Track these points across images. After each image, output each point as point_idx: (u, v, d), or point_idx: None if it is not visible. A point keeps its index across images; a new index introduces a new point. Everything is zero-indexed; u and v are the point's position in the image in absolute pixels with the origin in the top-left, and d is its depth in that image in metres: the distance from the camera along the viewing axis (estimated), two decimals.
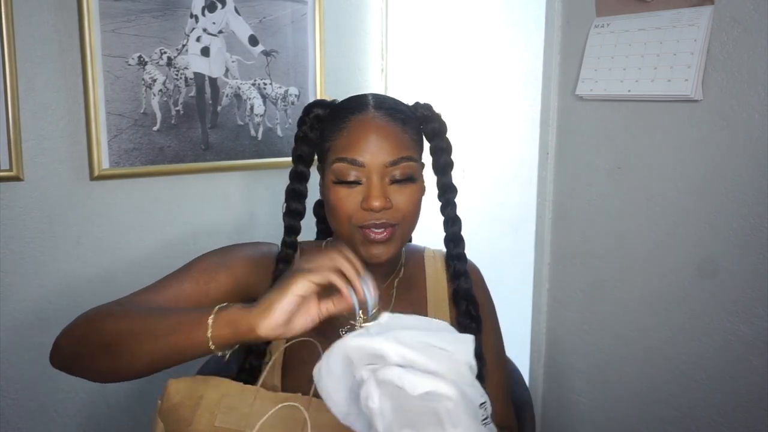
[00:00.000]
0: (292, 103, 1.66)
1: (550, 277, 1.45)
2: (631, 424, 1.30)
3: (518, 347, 1.48)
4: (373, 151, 0.93)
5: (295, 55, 1.65)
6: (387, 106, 0.98)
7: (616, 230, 1.30)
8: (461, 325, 1.02)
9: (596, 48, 1.29)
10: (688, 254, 1.18)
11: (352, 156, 0.93)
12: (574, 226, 1.39)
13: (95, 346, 0.86)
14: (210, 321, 0.79)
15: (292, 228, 1.04)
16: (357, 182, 0.94)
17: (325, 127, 1.00)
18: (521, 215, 1.54)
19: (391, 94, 1.83)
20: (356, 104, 0.99)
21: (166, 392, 0.88)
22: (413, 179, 0.96)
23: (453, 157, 1.06)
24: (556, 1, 1.38)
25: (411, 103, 1.06)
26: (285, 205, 1.05)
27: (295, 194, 1.04)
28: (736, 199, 1.11)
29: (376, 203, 0.92)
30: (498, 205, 1.64)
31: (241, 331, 0.78)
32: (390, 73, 1.86)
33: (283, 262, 1.01)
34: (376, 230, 0.94)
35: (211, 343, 0.79)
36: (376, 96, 1.00)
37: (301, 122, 1.04)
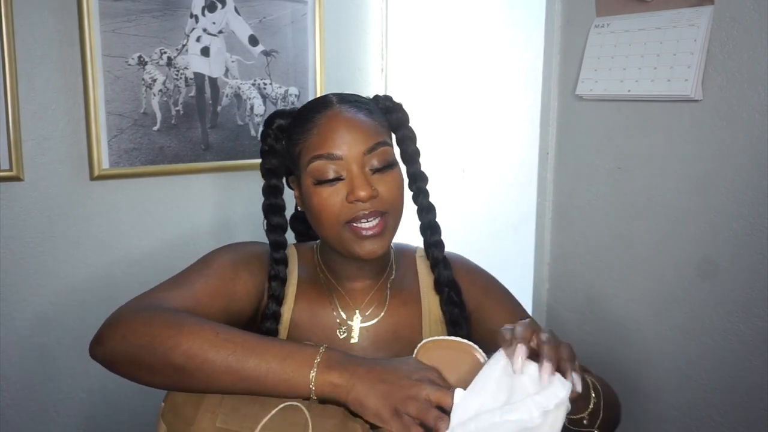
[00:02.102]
0: (292, 103, 1.66)
1: (550, 277, 1.45)
2: (631, 423, 1.30)
3: None
4: (347, 141, 0.92)
5: (295, 55, 1.65)
6: (350, 99, 0.98)
7: (616, 230, 1.30)
8: (446, 313, 1.02)
9: (596, 48, 1.29)
10: (688, 254, 1.18)
11: (327, 151, 0.92)
12: (574, 226, 1.39)
13: (162, 362, 0.80)
14: (312, 386, 0.79)
15: (278, 243, 1.01)
16: (338, 179, 0.93)
17: (291, 134, 0.99)
18: (521, 215, 1.54)
19: (391, 94, 1.82)
20: (319, 103, 0.98)
21: (170, 393, 0.87)
22: (392, 165, 0.96)
23: (419, 145, 1.06)
24: (556, 1, 1.38)
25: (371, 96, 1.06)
26: (265, 222, 1.03)
27: (273, 209, 1.02)
28: (736, 199, 1.11)
29: (363, 193, 0.90)
30: (498, 205, 1.64)
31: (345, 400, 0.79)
32: (390, 73, 1.85)
33: (276, 280, 0.99)
34: (367, 224, 0.92)
35: (314, 395, 0.79)
36: (336, 93, 1.00)
37: (265, 135, 1.02)
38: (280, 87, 1.64)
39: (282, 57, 1.63)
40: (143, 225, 1.53)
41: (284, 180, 1.05)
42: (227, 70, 1.56)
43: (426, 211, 1.06)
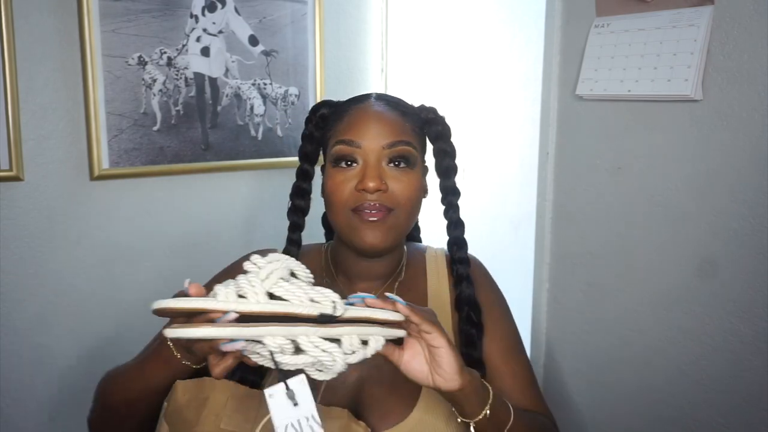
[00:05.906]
0: (292, 103, 1.66)
1: (550, 277, 1.45)
2: (631, 424, 1.30)
3: None
4: (371, 134, 0.96)
5: (295, 55, 1.65)
6: (388, 98, 1.03)
7: (616, 230, 1.30)
8: (462, 332, 1.01)
9: (596, 48, 1.29)
10: (688, 254, 1.18)
11: (349, 137, 0.96)
12: (574, 226, 1.39)
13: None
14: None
15: (295, 225, 1.06)
16: (353, 162, 0.96)
17: (328, 122, 1.04)
18: (521, 215, 1.54)
19: (391, 94, 1.83)
20: (359, 97, 1.04)
21: (173, 394, 0.87)
22: (410, 164, 0.97)
23: (456, 161, 1.07)
24: (556, 1, 1.38)
25: (416, 104, 1.08)
26: (290, 202, 1.08)
27: (299, 192, 1.07)
28: (736, 199, 1.11)
29: (371, 183, 0.93)
30: (498, 204, 1.64)
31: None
32: (390, 73, 1.86)
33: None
34: (370, 210, 0.94)
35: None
36: (379, 93, 1.05)
37: (308, 121, 1.07)
38: (280, 87, 1.64)
39: (282, 57, 1.63)
40: (143, 225, 1.53)
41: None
42: (227, 70, 1.56)
43: (455, 227, 1.06)
